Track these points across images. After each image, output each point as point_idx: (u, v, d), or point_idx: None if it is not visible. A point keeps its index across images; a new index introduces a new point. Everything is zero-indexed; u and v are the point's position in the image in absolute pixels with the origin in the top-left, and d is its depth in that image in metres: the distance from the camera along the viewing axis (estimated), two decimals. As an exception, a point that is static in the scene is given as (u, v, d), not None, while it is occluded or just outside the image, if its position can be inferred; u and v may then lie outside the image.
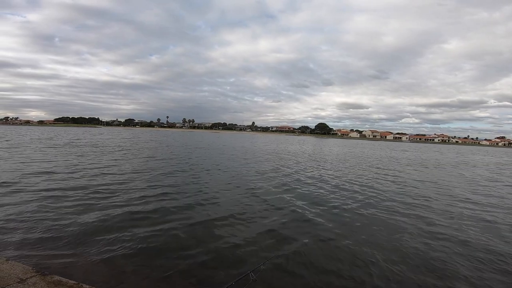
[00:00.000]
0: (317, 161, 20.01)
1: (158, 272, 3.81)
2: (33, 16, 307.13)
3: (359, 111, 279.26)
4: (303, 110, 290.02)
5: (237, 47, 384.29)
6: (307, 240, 5.13)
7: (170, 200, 7.19)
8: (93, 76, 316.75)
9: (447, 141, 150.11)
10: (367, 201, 8.28)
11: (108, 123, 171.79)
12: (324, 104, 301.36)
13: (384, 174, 14.41)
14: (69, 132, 54.73)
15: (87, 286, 3.14)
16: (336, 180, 11.64)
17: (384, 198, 8.74)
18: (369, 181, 11.87)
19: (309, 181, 11.25)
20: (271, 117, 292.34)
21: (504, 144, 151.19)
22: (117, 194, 7.51)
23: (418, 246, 5.10)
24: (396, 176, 14.12)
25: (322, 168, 15.61)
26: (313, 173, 13.67)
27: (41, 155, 15.12)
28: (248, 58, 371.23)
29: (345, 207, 7.45)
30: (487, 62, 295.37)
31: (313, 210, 7.01)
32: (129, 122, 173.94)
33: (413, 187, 11.10)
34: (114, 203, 6.61)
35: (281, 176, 12.10)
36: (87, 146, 22.92)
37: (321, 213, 6.86)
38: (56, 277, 3.21)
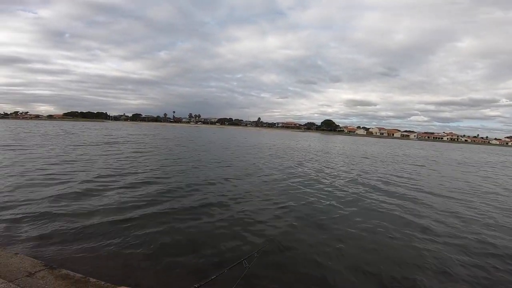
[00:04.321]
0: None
1: (162, 266, 3.88)
2: (44, 12, 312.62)
3: (366, 108, 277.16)
4: (309, 107, 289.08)
5: (245, 43, 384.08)
6: (303, 229, 5.41)
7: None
8: (103, 71, 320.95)
9: (456, 139, 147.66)
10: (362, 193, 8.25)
11: (116, 118, 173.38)
12: (331, 101, 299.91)
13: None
14: (87, 127, 55.45)
15: (94, 280, 3.20)
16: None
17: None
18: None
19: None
20: (277, 113, 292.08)
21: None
22: (134, 193, 7.47)
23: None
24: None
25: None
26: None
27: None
28: (256, 54, 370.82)
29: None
30: (500, 61, 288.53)
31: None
32: (136, 117, 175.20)
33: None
34: (128, 201, 6.57)
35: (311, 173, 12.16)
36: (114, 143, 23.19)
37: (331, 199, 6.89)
38: (64, 271, 3.28)
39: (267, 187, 8.98)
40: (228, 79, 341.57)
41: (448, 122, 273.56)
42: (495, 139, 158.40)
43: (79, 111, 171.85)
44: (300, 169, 13.31)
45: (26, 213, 5.34)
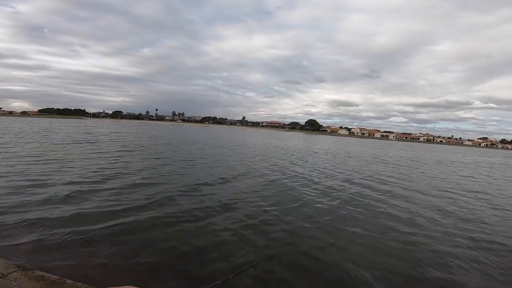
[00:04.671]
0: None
1: (147, 268, 3.72)
2: (23, 7, 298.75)
3: (349, 109, 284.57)
4: (294, 106, 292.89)
5: (232, 42, 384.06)
6: (307, 232, 5.26)
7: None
8: (82, 67, 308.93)
9: (432, 140, 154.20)
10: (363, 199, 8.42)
11: (95, 115, 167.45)
12: (315, 101, 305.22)
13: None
14: (66, 125, 53.02)
15: (70, 281, 3.03)
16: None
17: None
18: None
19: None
20: (262, 112, 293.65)
21: (486, 145, 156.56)
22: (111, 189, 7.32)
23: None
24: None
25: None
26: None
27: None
28: (242, 53, 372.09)
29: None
30: (475, 64, 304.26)
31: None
32: (117, 114, 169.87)
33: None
34: (114, 204, 6.23)
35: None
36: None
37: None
38: (39, 272, 3.09)
39: (264, 187, 8.90)
40: (214, 77, 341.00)
41: (425, 124, 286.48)
42: (468, 140, 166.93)
43: (55, 108, 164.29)
44: (293, 169, 13.37)
45: (4, 217, 4.97)
